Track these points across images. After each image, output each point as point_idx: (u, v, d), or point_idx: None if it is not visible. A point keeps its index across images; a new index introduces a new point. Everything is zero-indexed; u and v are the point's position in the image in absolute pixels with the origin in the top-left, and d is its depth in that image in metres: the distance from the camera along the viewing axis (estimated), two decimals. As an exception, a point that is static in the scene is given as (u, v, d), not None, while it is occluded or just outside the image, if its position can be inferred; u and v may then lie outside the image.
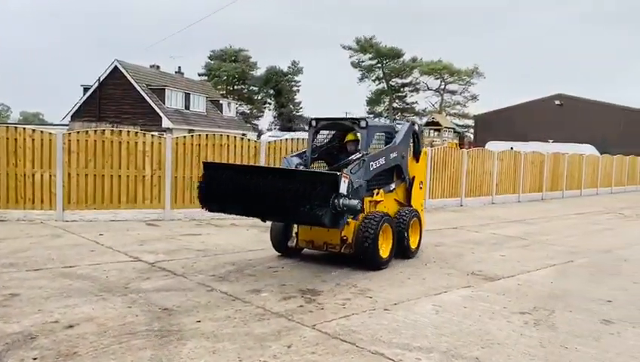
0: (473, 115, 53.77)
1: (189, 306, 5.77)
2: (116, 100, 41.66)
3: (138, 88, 41.20)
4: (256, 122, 67.38)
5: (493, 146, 26.28)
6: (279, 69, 67.17)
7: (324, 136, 8.98)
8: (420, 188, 9.64)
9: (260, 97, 68.15)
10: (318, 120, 8.74)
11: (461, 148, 20.51)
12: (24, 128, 11.26)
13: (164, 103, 41.96)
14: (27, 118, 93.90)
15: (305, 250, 8.54)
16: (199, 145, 12.25)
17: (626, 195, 26.45)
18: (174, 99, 43.50)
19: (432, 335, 5.19)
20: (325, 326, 5.29)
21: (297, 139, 13.70)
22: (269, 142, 13.26)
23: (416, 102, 67.35)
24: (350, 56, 65.04)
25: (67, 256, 8.00)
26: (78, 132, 11.45)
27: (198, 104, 46.58)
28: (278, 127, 66.14)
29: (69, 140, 11.16)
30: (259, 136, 41.97)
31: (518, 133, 38.86)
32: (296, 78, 68.96)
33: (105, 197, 11.49)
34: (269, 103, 69.15)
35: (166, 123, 40.36)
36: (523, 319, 5.80)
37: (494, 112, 46.24)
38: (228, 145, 12.52)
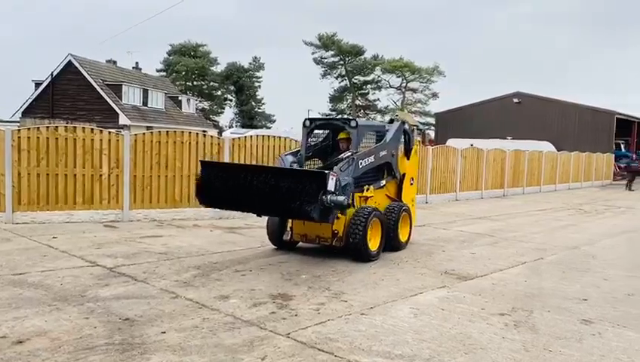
0: (434, 113, 54.34)
1: (152, 315, 5.36)
2: (70, 96, 40.15)
3: (93, 84, 39.81)
4: (216, 119, 66.28)
5: (454, 144, 26.48)
6: (240, 65, 66.22)
7: (318, 135, 9.49)
8: (411, 184, 9.97)
9: (220, 93, 67.06)
10: (311, 120, 9.22)
11: (424, 145, 20.52)
12: (-31, 124, 10.50)
13: (121, 100, 40.67)
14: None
15: (301, 244, 8.87)
16: (159, 142, 11.72)
17: (582, 191, 27.12)
18: (132, 96, 42.23)
19: (412, 341, 4.95)
20: (300, 335, 4.98)
21: (263, 136, 13.31)
22: (233, 138, 12.83)
23: (379, 99, 67.75)
24: (312, 53, 64.81)
25: (17, 261, 7.42)
26: (29, 128, 10.77)
27: (157, 100, 45.39)
28: (239, 124, 65.24)
29: (19, 137, 10.46)
30: (220, 134, 41.18)
31: (478, 130, 39.40)
32: (257, 75, 68.18)
33: (59, 197, 10.83)
34: (230, 100, 68.19)
35: (123, 120, 39.13)
36: (503, 321, 5.64)
37: (455, 110, 46.79)
38: (190, 143, 12.03)
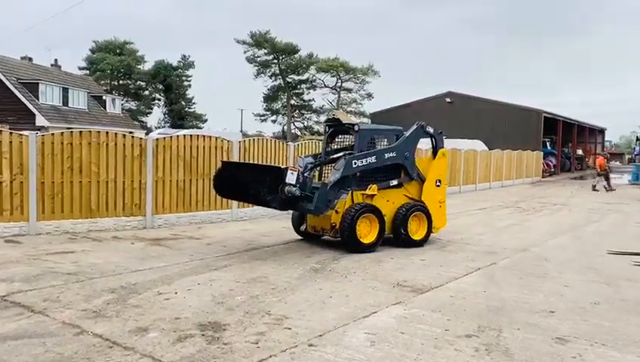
0: (369, 113, 54.31)
1: (45, 363, 4.21)
2: (-19, 96, 36.75)
3: (6, 82, 36.56)
4: (144, 119, 63.29)
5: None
6: (168, 63, 63.50)
7: (341, 139, 10.25)
8: (438, 185, 10.35)
9: (148, 93, 64.10)
10: (329, 125, 10.27)
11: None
12: None
13: (38, 99, 37.64)
14: None
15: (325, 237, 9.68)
16: (71, 143, 10.29)
17: (515, 188, 27.50)
18: (50, 95, 39.21)
19: (373, 380, 4.09)
20: (236, 380, 4.01)
21: (191, 135, 12.12)
22: (157, 139, 11.57)
23: (314, 99, 67.03)
24: (245, 52, 63.08)
25: None
26: None
27: (78, 100, 42.47)
28: (168, 124, 62.62)
29: None
30: (147, 134, 39.10)
31: (413, 129, 39.53)
32: (187, 73, 65.69)
33: (-52, 209, 9.24)
34: (159, 99, 65.33)
35: (41, 121, 36.22)
36: (472, 344, 4.90)
37: (389, 110, 46.84)
38: (107, 144, 10.67)
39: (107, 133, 10.88)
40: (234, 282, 6.90)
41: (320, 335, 5.00)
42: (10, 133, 9.89)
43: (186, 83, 66.59)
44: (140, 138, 11.29)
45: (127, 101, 60.63)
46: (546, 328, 5.44)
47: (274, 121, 67.39)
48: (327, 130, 10.34)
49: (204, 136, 12.29)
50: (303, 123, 67.03)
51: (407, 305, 6.08)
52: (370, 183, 9.41)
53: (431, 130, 10.42)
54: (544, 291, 6.94)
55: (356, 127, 9.56)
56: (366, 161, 9.24)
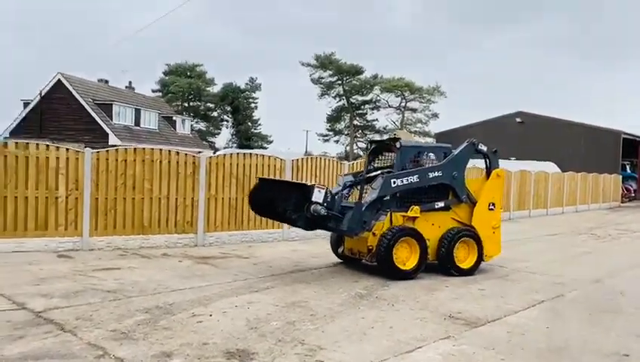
0: (434, 133, 53.19)
1: (57, 387, 3.99)
2: (59, 116, 38.91)
3: (83, 103, 38.63)
4: (212, 140, 65.07)
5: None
6: (236, 86, 65.19)
7: (386, 157, 9.56)
8: (491, 209, 9.46)
9: (216, 114, 65.96)
10: (371, 142, 9.82)
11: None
12: None
13: (111, 119, 39.48)
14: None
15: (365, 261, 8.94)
16: (125, 160, 10.40)
17: (590, 213, 25.74)
18: (123, 115, 41.04)
19: None
20: (252, 420, 3.62)
21: (244, 154, 12.02)
22: (210, 157, 11.54)
23: (377, 119, 66.48)
24: (310, 74, 63.78)
25: None
26: (-27, 145, 9.46)
27: (150, 120, 44.21)
28: (235, 144, 64.04)
29: (-38, 155, 9.17)
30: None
31: (480, 150, 38.20)
32: (253, 95, 67.14)
33: (7, 223, 9.47)
34: (226, 121, 67.08)
35: (113, 140, 37.86)
36: (528, 392, 4.27)
37: (455, 130, 45.62)
38: (160, 161, 10.72)
39: (161, 150, 10.94)
40: (273, 306, 6.55)
41: (354, 371, 4.53)
42: (67, 149, 10.11)
43: (252, 105, 68.03)
44: (194, 156, 11.28)
45: (196, 122, 62.56)
46: (619, 375, 4.71)
47: (337, 142, 67.41)
48: (369, 147, 9.79)
49: (257, 155, 12.16)
50: (365, 143, 66.62)
51: (457, 341, 5.49)
52: (413, 204, 8.73)
53: (484, 148, 9.64)
54: (617, 330, 6.12)
55: (398, 144, 8.90)
56: (407, 180, 8.55)
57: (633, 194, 37.58)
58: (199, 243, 11.14)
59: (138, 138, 40.86)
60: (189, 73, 64.04)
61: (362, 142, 62.52)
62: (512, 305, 7.11)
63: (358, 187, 9.21)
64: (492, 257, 9.48)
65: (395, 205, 8.68)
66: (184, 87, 60.90)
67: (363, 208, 8.18)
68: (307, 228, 8.28)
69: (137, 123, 42.51)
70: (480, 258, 9.09)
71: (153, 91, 62.54)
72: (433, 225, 8.89)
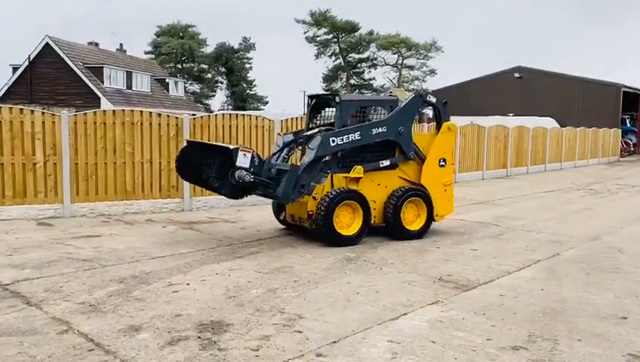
0: (432, 91, 52.38)
1: (11, 368, 3.70)
2: (49, 80, 38.12)
3: (73, 67, 37.78)
4: (207, 102, 64.10)
5: (454, 122, 24.73)
6: (229, 46, 63.68)
7: (329, 113, 8.54)
8: (442, 165, 8.74)
9: (210, 76, 64.74)
10: (311, 96, 8.73)
11: (420, 123, 18.80)
12: None
13: (102, 83, 38.67)
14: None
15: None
16: (104, 123, 9.96)
17: (589, 169, 25.42)
18: (114, 79, 40.21)
19: (385, 407, 3.30)
20: (217, 400, 3.33)
21: (230, 114, 11.55)
22: (194, 118, 11.08)
23: (374, 78, 65.28)
24: (305, 32, 62.22)
25: None
26: (-58, 110, 9.01)
27: (142, 83, 43.35)
28: (231, 106, 63.07)
29: None
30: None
31: (478, 107, 37.52)
32: (248, 55, 65.69)
33: (-17, 191, 9.14)
34: (221, 82, 65.90)
35: (105, 104, 37.13)
36: (518, 361, 3.98)
37: (453, 87, 44.81)
38: (141, 123, 10.29)
39: (141, 112, 10.50)
40: (255, 272, 6.25)
41: (334, 342, 4.24)
42: (42, 112, 9.67)
43: (247, 65, 66.71)
44: (176, 117, 10.83)
45: (190, 84, 61.51)
46: (615, 339, 4.42)
47: (334, 102, 66.36)
48: (309, 102, 8.74)
49: (243, 115, 11.70)
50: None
51: (445, 306, 5.20)
52: (356, 164, 7.97)
53: (433, 99, 8.78)
54: (615, 290, 5.83)
55: (337, 98, 8.03)
56: (348, 138, 7.71)
57: (633, 149, 37.22)
58: (186, 208, 10.81)
59: (130, 101, 40.11)
60: (181, 34, 62.61)
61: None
62: (505, 265, 6.82)
63: (300, 147, 8.53)
64: (444, 216, 8.82)
65: (337, 165, 7.93)
66: (177, 48, 59.64)
67: (299, 171, 7.42)
68: (232, 196, 7.43)
69: (129, 86, 41.72)
70: (430, 218, 8.47)
71: (146, 53, 61.21)
72: (379, 186, 8.24)
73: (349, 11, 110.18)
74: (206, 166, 7.33)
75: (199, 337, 4.29)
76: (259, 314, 4.83)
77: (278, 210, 8.83)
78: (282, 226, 8.90)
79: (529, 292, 5.71)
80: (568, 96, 38.29)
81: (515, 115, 34.65)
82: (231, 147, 7.07)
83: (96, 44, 44.38)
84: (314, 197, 7.68)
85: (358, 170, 7.93)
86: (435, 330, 4.53)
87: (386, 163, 8.30)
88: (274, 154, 8.38)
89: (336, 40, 62.17)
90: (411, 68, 62.75)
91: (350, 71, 63.66)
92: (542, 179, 19.70)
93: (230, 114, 11.58)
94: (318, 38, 62.74)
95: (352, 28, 61.23)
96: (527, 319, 4.87)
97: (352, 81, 63.65)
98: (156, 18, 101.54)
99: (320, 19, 60.83)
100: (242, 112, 12.65)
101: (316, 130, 8.22)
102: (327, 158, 7.75)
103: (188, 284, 5.74)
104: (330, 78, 64.26)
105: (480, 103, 39.12)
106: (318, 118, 8.68)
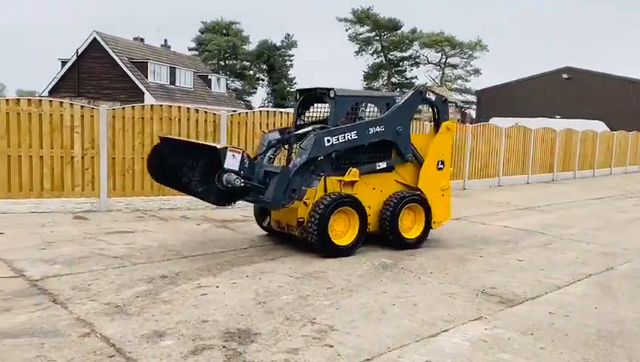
0: (476, 91, 51.17)
1: (28, 373, 3.55)
2: (96, 75, 39.01)
3: (118, 61, 38.53)
4: (248, 99, 64.56)
5: (498, 123, 23.96)
6: (272, 43, 64.02)
7: (320, 109, 7.92)
8: (440, 168, 8.08)
9: (252, 73, 65.17)
10: (301, 91, 8.05)
11: (463, 124, 18.22)
12: None
13: (146, 78, 39.32)
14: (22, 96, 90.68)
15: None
16: (142, 118, 9.93)
17: (642, 175, 24.20)
18: (158, 74, 40.82)
19: None
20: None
21: (267, 111, 11.37)
22: (232, 115, 10.93)
23: (416, 76, 64.41)
24: (346, 29, 61.94)
25: None
26: (-15, 102, 9.11)
27: (185, 79, 43.88)
28: (271, 103, 63.36)
29: (-27, 112, 8.85)
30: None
31: (524, 109, 36.41)
32: (289, 53, 65.85)
33: (23, 183, 9.19)
34: (262, 79, 66.26)
35: (149, 99, 37.76)
36: (572, 392, 3.59)
37: (498, 87, 43.68)
38: (179, 119, 10.21)
39: (179, 107, 10.41)
40: (286, 276, 6.00)
41: (367, 360, 3.94)
42: (82, 106, 9.68)
43: (288, 63, 66.88)
44: (214, 113, 10.70)
45: (232, 81, 62.03)
46: (684, 372, 3.96)
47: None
48: (297, 97, 8.01)
49: (281, 113, 11.50)
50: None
51: (489, 322, 4.81)
52: (351, 166, 7.29)
53: (432, 96, 8.07)
54: (680, 313, 5.32)
55: (331, 93, 7.26)
56: (343, 137, 7.02)
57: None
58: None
59: (173, 97, 40.69)
60: (225, 31, 63.22)
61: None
62: (554, 279, 6.36)
63: (287, 146, 7.92)
64: (441, 223, 8.15)
65: (331, 168, 7.22)
66: (220, 45, 60.23)
67: (291, 173, 6.74)
68: (219, 203, 6.52)
69: (173, 82, 42.29)
70: (428, 226, 7.79)
71: (190, 50, 62.09)
72: (374, 190, 7.54)
73: (391, 9, 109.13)
74: (186, 167, 6.33)
75: (224, 347, 4.06)
76: (288, 324, 4.57)
77: (261, 215, 8.02)
78: (264, 233, 8.14)
79: (581, 310, 5.26)
80: (619, 98, 36.75)
81: (562, 118, 33.45)
82: (219, 146, 6.28)
83: (142, 40, 45.20)
84: (305, 203, 6.95)
85: (353, 173, 7.25)
86: (478, 351, 4.17)
87: (383, 165, 7.62)
88: (259, 155, 7.58)
89: (378, 38, 61.58)
90: (454, 67, 61.61)
91: (392, 69, 62.96)
92: (590, 184, 18.82)
93: (268, 111, 11.39)
94: (360, 36, 62.30)
95: (394, 26, 60.54)
96: (581, 342, 4.44)
97: (393, 80, 62.93)
98: (201, 14, 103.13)
99: (362, 17, 60.34)
100: (281, 110, 12.44)
101: (309, 127, 7.45)
102: (320, 159, 7.06)
103: (217, 287, 5.53)
104: (370, 76, 63.75)
105: (525, 105, 37.97)
106: (306, 115, 8.07)
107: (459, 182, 15.46)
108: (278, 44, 65.54)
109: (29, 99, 9.37)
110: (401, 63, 63.38)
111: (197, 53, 60.71)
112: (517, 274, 6.52)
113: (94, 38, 39.20)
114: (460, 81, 61.43)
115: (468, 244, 8.08)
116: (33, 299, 4.97)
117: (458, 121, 31.25)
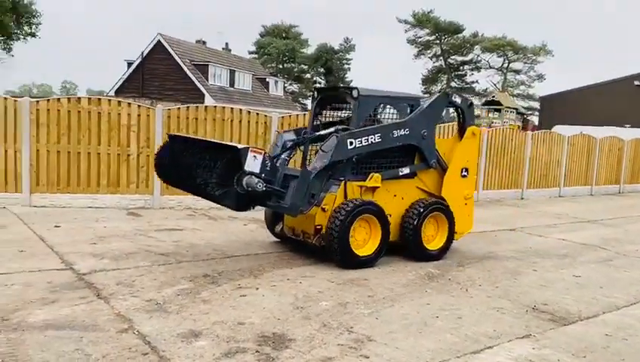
0: (539, 97, 49.36)
1: (64, 366, 3.60)
2: (159, 76, 40.34)
3: (181, 63, 39.69)
4: (305, 102, 65.00)
5: (562, 131, 22.95)
6: (330, 47, 64.27)
7: (337, 109, 7.49)
8: (464, 176, 7.61)
9: (309, 76, 65.64)
10: (318, 90, 7.67)
11: (524, 131, 17.54)
12: (-14, 95, 9.45)
13: (207, 80, 40.32)
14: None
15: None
16: (196, 118, 10.11)
17: None
18: (218, 76, 41.78)
19: None
20: None
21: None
22: (282, 117, 10.95)
23: (477, 81, 62.98)
24: (406, 31, 61.28)
25: (-20, 258, 6.04)
26: (49, 100, 9.51)
27: (244, 82, 44.70)
28: (328, 106, 63.50)
29: (38, 110, 9.27)
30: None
31: (590, 116, 34.74)
32: (347, 56, 65.92)
33: (81, 179, 9.56)
34: (319, 83, 66.54)
35: (208, 100, 38.65)
36: (626, 424, 3.30)
37: (563, 94, 41.96)
38: (232, 120, 10.33)
39: (232, 109, 10.54)
40: (328, 281, 5.89)
41: (403, 374, 3.77)
42: (139, 106, 9.95)
43: (346, 66, 66.92)
44: (265, 115, 10.76)
45: (290, 84, 62.66)
46: None
47: (433, 105, 64.83)
48: (315, 95, 7.57)
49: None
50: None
51: (537, 341, 4.53)
52: (372, 171, 6.84)
53: (458, 99, 7.60)
54: None
55: (355, 92, 6.76)
56: (367, 140, 6.54)
57: None
58: (270, 207, 10.70)
59: (231, 99, 41.47)
60: (284, 35, 63.99)
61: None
62: (614, 298, 5.95)
63: (302, 148, 7.34)
64: (463, 234, 7.70)
65: (351, 172, 6.75)
66: (279, 49, 60.99)
67: (311, 177, 6.27)
68: (238, 207, 5.99)
69: (232, 84, 43.15)
70: (451, 237, 7.32)
71: (250, 53, 63.23)
72: (395, 197, 7.06)
73: (453, 12, 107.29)
74: (202, 168, 5.88)
75: (257, 351, 4.00)
76: (325, 331, 4.46)
77: (273, 220, 7.58)
78: (276, 239, 7.70)
79: (642, 334, 4.88)
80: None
81: (632, 127, 31.69)
82: (239, 146, 5.75)
83: (204, 43, 46.39)
84: (323, 209, 6.49)
85: (375, 179, 6.78)
86: (523, 372, 3.92)
87: (406, 171, 7.15)
88: (274, 157, 7.00)
89: (438, 41, 60.60)
90: (517, 72, 59.72)
91: (451, 73, 61.78)
92: (661, 198, 17.68)
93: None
94: (420, 39, 61.51)
95: (455, 29, 59.40)
96: (639, 369, 4.10)
97: (452, 84, 61.74)
98: (262, 18, 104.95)
99: (423, 20, 59.57)
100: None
101: (331, 129, 6.91)
102: (341, 163, 6.59)
103: (257, 289, 5.50)
104: (429, 79, 62.84)
105: (592, 112, 36.28)
106: (322, 115, 7.57)
107: (516, 191, 14.90)
108: (337, 47, 65.69)
109: (89, 98, 9.71)
110: (461, 67, 62.12)
111: (256, 56, 61.74)
112: (572, 291, 6.14)
113: (158, 41, 40.54)
114: (522, 87, 59.55)
115: (521, 257, 7.72)
116: (79, 293, 5.09)
117: (519, 128, 30.22)
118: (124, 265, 6.09)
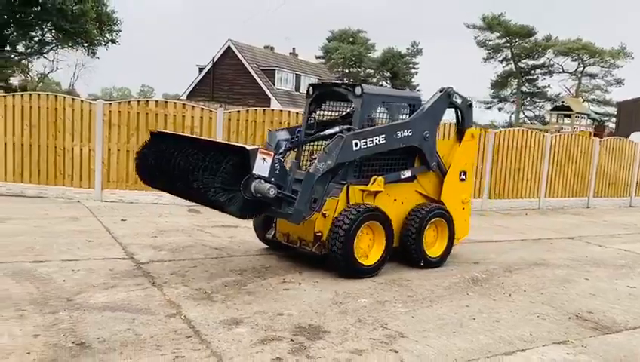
0: (617, 102, 46.92)
1: (116, 343, 3.96)
2: (228, 80, 41.75)
3: (249, 68, 40.90)
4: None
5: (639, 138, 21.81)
6: (397, 51, 64.09)
7: (336, 108, 7.02)
8: (462, 180, 7.33)
9: (375, 80, 65.68)
10: (315, 86, 7.05)
11: (596, 137, 16.86)
12: (64, 97, 10.27)
13: (273, 85, 41.31)
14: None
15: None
16: (255, 121, 10.54)
17: None
18: (284, 81, 42.71)
19: None
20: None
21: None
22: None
23: (549, 85, 60.80)
24: (475, 36, 60.11)
25: (53, 246, 6.64)
26: (120, 102, 10.23)
27: (309, 86, 45.40)
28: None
29: (110, 111, 9.99)
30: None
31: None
32: (414, 60, 65.46)
33: (148, 177, 10.18)
34: (385, 86, 66.53)
35: (275, 104, 39.58)
36: None
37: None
38: (288, 123, 10.66)
39: (289, 112, 10.91)
40: (370, 281, 6.04)
41: (429, 369, 3.88)
42: (202, 109, 10.49)
43: (412, 70, 66.46)
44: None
45: (356, 88, 62.90)
46: None
47: (500, 110, 63.23)
48: (310, 92, 6.99)
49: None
50: (533, 112, 61.36)
51: (574, 348, 4.49)
52: (374, 174, 6.45)
53: (458, 99, 7.20)
54: None
55: (358, 90, 6.30)
56: (372, 141, 6.14)
57: None
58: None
59: (296, 102, 42.20)
60: (351, 39, 64.40)
61: (530, 110, 57.40)
62: (668, 310, 5.73)
63: (296, 149, 6.96)
64: (460, 239, 7.37)
65: (353, 175, 6.35)
66: (346, 54, 61.46)
67: (315, 180, 5.82)
68: (243, 215, 5.49)
69: (297, 88, 43.92)
70: (451, 243, 7.03)
71: (317, 58, 64.10)
72: (395, 201, 6.69)
73: (524, 15, 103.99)
74: (202, 171, 5.23)
75: (292, 340, 4.22)
76: (359, 326, 4.63)
77: (263, 225, 7.08)
78: (265, 246, 7.27)
79: (691, 347, 4.71)
80: None
81: None
82: (248, 147, 5.21)
83: (272, 48, 47.53)
84: (324, 215, 6.08)
85: (379, 182, 6.39)
86: (552, 375, 3.92)
87: (407, 174, 6.80)
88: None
89: (508, 45, 58.97)
90: (593, 76, 57.05)
91: (522, 77, 59.89)
92: None
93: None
94: (490, 43, 60.07)
95: (526, 32, 57.59)
96: (679, 381, 3.99)
97: (523, 88, 59.84)
98: (329, 23, 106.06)
99: (493, 24, 58.16)
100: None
101: (336, 128, 6.47)
102: (343, 166, 6.18)
103: (300, 284, 5.74)
104: (498, 84, 61.21)
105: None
106: (316, 113, 7.07)
107: (582, 199, 14.39)
108: (404, 51, 65.36)
109: (156, 101, 10.35)
110: (532, 72, 60.13)
111: (323, 61, 62.49)
112: (623, 301, 5.97)
113: (229, 46, 41.97)
114: (598, 92, 56.78)
115: (575, 265, 7.54)
116: (136, 280, 5.52)
117: (590, 134, 28.91)
118: (180, 257, 6.51)
